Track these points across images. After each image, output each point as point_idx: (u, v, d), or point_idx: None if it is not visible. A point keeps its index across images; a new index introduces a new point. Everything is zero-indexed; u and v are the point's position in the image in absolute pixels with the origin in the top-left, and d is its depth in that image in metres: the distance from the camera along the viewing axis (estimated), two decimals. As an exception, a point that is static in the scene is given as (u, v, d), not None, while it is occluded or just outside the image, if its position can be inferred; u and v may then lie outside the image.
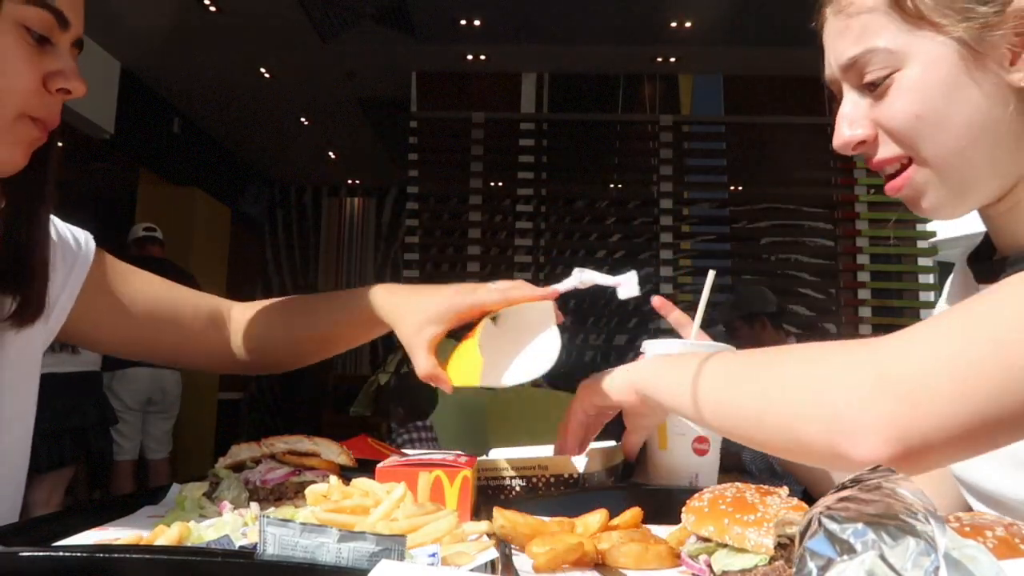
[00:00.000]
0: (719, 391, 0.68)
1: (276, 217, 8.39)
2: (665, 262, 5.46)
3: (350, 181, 8.34)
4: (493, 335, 0.86)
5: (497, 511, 0.67)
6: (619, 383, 0.84)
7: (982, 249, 0.82)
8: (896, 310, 5.42)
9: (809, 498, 0.61)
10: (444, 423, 3.72)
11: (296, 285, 8.19)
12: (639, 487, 0.93)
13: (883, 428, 0.54)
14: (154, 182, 6.19)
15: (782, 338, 3.27)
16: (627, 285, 0.88)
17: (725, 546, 0.59)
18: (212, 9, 4.75)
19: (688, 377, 0.71)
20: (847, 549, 0.31)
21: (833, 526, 0.32)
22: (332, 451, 0.85)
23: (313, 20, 4.85)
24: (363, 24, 4.94)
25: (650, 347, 0.96)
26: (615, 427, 0.96)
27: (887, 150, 0.75)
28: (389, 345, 4.38)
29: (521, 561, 0.62)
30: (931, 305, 4.97)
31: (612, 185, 5.82)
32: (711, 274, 0.97)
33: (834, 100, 0.81)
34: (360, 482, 0.72)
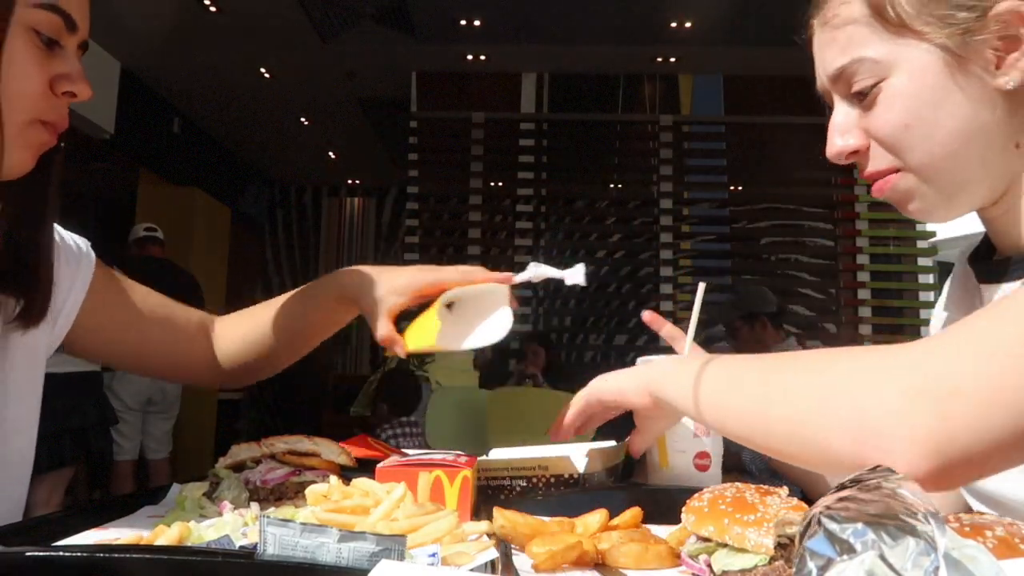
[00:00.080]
0: (731, 395, 0.65)
1: (276, 217, 8.39)
2: (665, 262, 5.46)
3: (350, 181, 8.34)
4: (452, 307, 0.93)
5: (497, 511, 0.67)
6: (633, 383, 0.82)
7: (982, 249, 0.83)
8: (896, 310, 5.42)
9: (809, 498, 0.61)
10: (443, 423, 3.72)
11: (296, 285, 8.13)
12: (639, 487, 0.93)
13: (920, 440, 0.50)
14: (154, 182, 6.19)
15: (782, 338, 3.27)
16: (574, 275, 0.95)
17: (725, 546, 0.59)
18: (212, 9, 4.75)
19: (702, 380, 0.68)
20: (847, 549, 0.31)
21: (833, 526, 0.32)
22: (332, 451, 0.86)
23: (313, 20, 4.85)
24: (363, 24, 4.94)
25: (644, 363, 0.95)
26: (618, 427, 0.96)
27: (878, 162, 0.75)
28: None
29: (521, 561, 0.62)
30: (931, 305, 4.97)
31: (612, 185, 5.82)
32: (701, 287, 0.97)
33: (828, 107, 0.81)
34: (360, 482, 0.72)
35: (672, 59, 5.46)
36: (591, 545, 0.64)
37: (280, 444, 0.85)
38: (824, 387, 0.57)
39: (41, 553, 0.47)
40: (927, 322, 0.98)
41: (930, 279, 5.40)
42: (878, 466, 0.39)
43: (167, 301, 1.06)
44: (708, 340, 5.41)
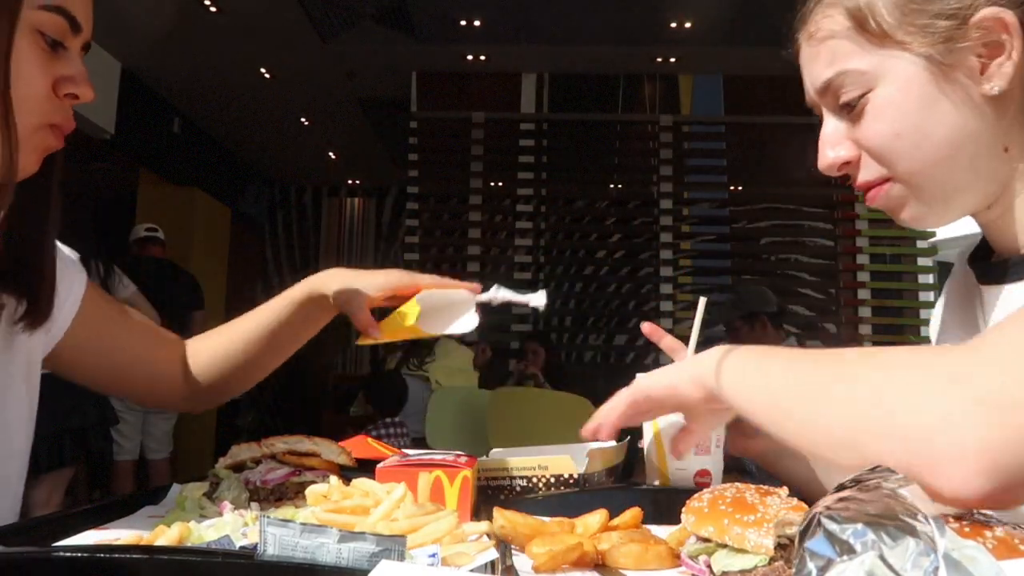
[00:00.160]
0: (785, 395, 0.61)
1: (276, 217, 8.39)
2: (665, 262, 5.46)
3: (350, 181, 8.34)
4: (427, 302, 0.98)
5: (497, 511, 0.67)
6: (686, 377, 0.75)
7: (981, 249, 0.83)
8: (896, 310, 5.42)
9: (806, 499, 0.61)
10: (443, 423, 3.72)
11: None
12: (639, 487, 0.93)
13: (978, 457, 0.46)
14: (154, 182, 6.19)
15: (782, 338, 3.27)
16: (536, 299, 0.97)
17: (725, 546, 0.59)
18: (212, 9, 4.75)
19: (757, 375, 0.65)
20: (847, 549, 0.31)
21: (833, 526, 0.32)
22: (332, 451, 0.86)
23: (313, 20, 4.85)
24: (363, 24, 4.94)
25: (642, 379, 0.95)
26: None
27: (868, 172, 0.76)
28: (389, 347, 4.38)
29: (521, 561, 0.62)
30: (931, 305, 4.97)
31: (612, 185, 5.82)
32: (702, 302, 0.96)
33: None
34: (360, 482, 0.72)
35: (672, 59, 5.46)
36: (591, 545, 0.64)
37: (280, 444, 0.85)
38: (875, 393, 0.53)
39: (41, 553, 0.47)
40: (927, 322, 0.98)
41: (930, 279, 5.39)
42: (878, 466, 0.39)
43: (148, 325, 1.06)
44: (708, 340, 5.40)
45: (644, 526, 0.73)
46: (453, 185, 5.70)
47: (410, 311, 0.97)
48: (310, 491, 0.72)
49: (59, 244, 0.95)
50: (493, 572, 0.59)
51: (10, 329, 0.84)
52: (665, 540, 0.68)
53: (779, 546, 0.56)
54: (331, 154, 7.54)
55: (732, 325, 3.36)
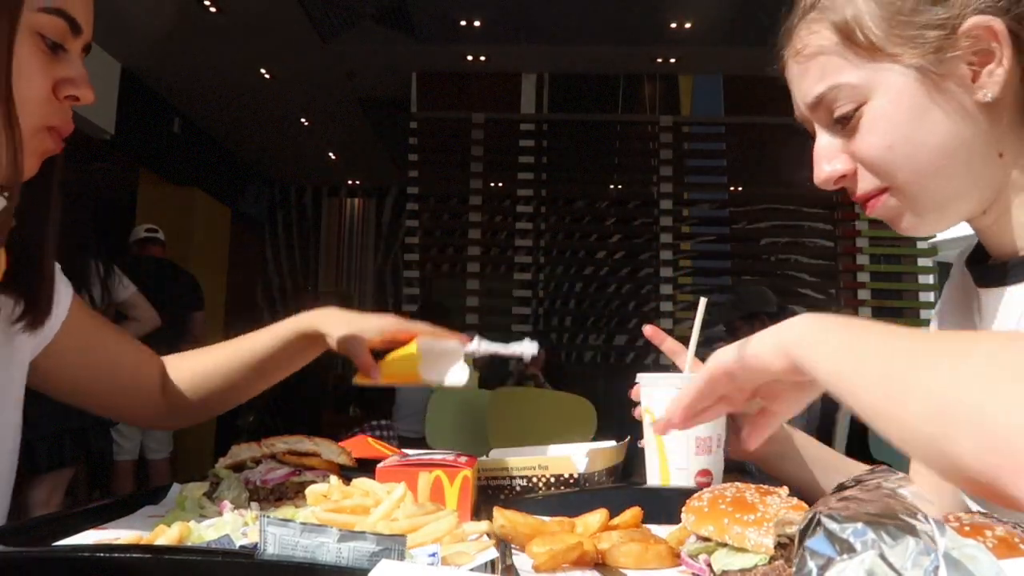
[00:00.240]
0: (875, 380, 0.54)
1: (276, 217, 8.39)
2: (665, 262, 5.46)
3: (350, 181, 8.34)
4: (426, 349, 1.00)
5: (497, 511, 0.67)
6: (768, 346, 0.66)
7: (977, 252, 0.83)
8: (896, 310, 5.42)
9: (805, 499, 0.61)
10: (443, 423, 3.72)
11: (296, 285, 8.19)
12: (639, 487, 0.93)
13: None
14: (154, 182, 6.19)
15: None
16: (524, 348, 0.97)
17: (725, 546, 0.59)
18: (212, 9, 4.75)
19: (848, 352, 0.58)
20: (847, 548, 0.31)
21: (833, 525, 0.32)
22: (332, 451, 0.86)
23: (313, 20, 4.85)
24: (363, 24, 4.94)
25: (644, 380, 0.95)
26: (618, 427, 0.96)
27: (865, 184, 0.76)
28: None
29: (521, 561, 0.62)
30: (931, 305, 4.97)
31: (612, 185, 5.82)
32: (702, 303, 0.96)
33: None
34: (360, 482, 0.72)
35: (672, 59, 5.46)
36: (591, 545, 0.64)
37: (280, 444, 0.85)
38: (961, 386, 0.47)
39: (41, 553, 0.47)
40: (927, 322, 0.97)
41: (930, 279, 5.40)
42: (878, 465, 0.39)
43: (129, 340, 1.06)
44: (708, 340, 5.41)
45: (644, 525, 0.73)
46: (453, 185, 5.70)
47: (411, 357, 0.99)
48: (310, 491, 0.72)
49: None
50: (493, 572, 0.59)
51: (8, 330, 0.84)
52: (665, 539, 0.68)
53: (779, 545, 0.56)
54: (331, 154, 7.54)
55: (732, 325, 3.36)
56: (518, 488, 0.91)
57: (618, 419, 0.93)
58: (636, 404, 0.96)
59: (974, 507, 0.81)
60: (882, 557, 0.30)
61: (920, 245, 5.36)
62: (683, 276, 5.50)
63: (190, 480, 0.86)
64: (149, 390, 1.05)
